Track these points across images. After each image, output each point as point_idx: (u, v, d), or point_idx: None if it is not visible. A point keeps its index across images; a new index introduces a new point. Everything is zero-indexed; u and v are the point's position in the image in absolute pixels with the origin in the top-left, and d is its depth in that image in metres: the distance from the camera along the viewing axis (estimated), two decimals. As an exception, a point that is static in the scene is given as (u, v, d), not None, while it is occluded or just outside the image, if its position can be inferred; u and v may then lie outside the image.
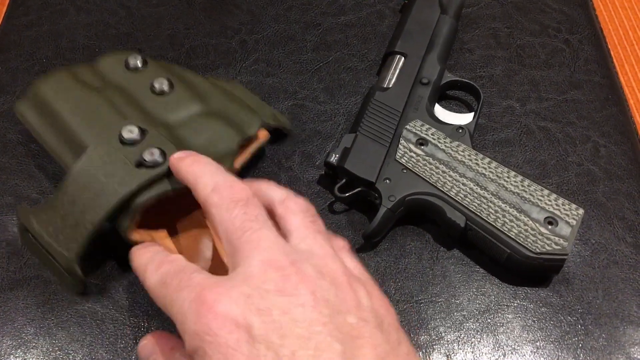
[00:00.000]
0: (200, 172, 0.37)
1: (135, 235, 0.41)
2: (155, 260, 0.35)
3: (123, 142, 0.42)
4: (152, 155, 0.41)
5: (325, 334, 0.28)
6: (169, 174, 0.41)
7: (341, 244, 0.37)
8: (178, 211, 0.44)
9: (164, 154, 0.41)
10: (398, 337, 0.31)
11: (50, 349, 0.42)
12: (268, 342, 0.28)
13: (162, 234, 0.43)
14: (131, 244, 0.41)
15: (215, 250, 0.44)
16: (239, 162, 0.46)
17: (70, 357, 0.42)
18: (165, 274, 0.34)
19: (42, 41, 0.59)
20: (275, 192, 0.37)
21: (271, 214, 0.35)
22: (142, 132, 0.42)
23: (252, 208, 0.33)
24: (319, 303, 0.29)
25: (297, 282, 0.30)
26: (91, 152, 0.41)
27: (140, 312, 0.44)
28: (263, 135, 0.49)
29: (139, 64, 0.48)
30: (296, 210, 0.35)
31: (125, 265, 0.45)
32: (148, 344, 0.36)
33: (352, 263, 0.35)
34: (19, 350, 0.42)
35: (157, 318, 0.43)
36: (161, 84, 0.47)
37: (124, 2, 0.62)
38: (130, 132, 0.42)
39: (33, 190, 0.49)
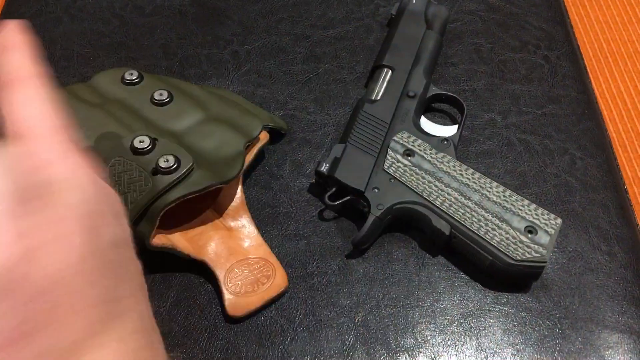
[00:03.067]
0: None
1: (156, 240, 0.43)
2: None
3: (135, 152, 0.43)
4: (167, 162, 0.43)
5: None
6: (184, 179, 0.43)
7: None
8: (192, 212, 0.47)
9: (178, 160, 0.43)
10: None
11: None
12: None
13: (180, 238, 0.45)
14: (151, 250, 0.43)
15: (224, 245, 0.46)
16: (245, 163, 0.48)
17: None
18: None
19: (36, 49, 0.59)
20: None
21: None
22: (153, 141, 0.44)
23: None
24: None
25: None
26: (105, 165, 0.43)
27: (136, 315, 0.45)
28: (264, 136, 0.51)
29: (135, 78, 0.50)
30: None
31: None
32: None
33: None
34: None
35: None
36: (161, 95, 0.48)
37: (118, 11, 0.63)
38: (142, 142, 0.43)
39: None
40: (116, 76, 0.51)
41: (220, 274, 0.45)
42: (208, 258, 0.45)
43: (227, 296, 0.44)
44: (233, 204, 0.48)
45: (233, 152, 0.47)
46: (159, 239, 0.44)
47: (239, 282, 0.45)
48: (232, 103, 0.52)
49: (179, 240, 0.45)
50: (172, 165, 0.43)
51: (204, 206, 0.48)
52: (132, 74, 0.50)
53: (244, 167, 0.48)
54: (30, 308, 0.20)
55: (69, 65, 0.58)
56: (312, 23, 0.63)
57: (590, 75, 1.57)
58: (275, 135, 0.54)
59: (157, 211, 0.42)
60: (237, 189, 0.48)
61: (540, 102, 0.59)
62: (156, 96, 0.48)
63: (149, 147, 0.44)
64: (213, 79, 0.58)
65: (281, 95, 0.58)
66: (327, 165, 0.50)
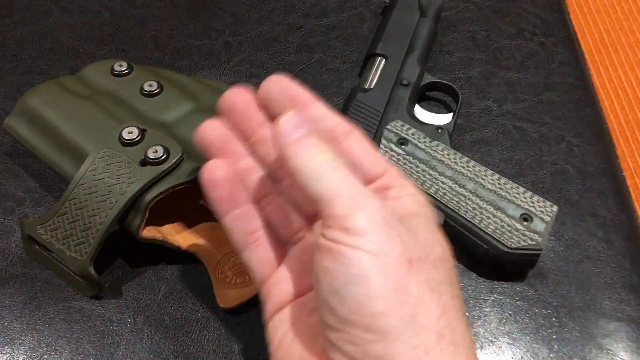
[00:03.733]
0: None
1: (146, 232, 0.43)
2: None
3: (124, 143, 0.43)
4: (155, 152, 0.42)
5: None
6: (173, 169, 0.42)
7: None
8: (183, 204, 0.46)
9: (167, 151, 0.42)
10: None
11: (37, 346, 0.43)
12: None
13: (170, 230, 0.45)
14: (141, 242, 0.43)
15: (220, 242, 0.45)
16: None
17: (57, 353, 0.42)
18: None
19: (26, 42, 0.59)
20: None
21: None
22: (142, 132, 0.43)
23: None
24: None
25: None
26: (94, 156, 0.42)
27: (126, 308, 0.44)
28: None
29: (125, 70, 0.49)
30: None
31: (110, 263, 0.46)
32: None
33: None
34: (5, 347, 0.43)
35: (142, 314, 0.44)
36: (151, 86, 0.48)
37: (108, 3, 0.62)
38: (130, 132, 0.43)
39: (18, 189, 0.49)
40: (106, 68, 0.50)
41: (211, 266, 0.44)
42: (198, 249, 0.45)
43: (218, 287, 0.44)
44: None
45: None
46: (149, 231, 0.43)
47: (230, 274, 0.44)
48: (221, 93, 0.51)
49: (169, 232, 0.45)
50: (161, 156, 0.42)
51: (195, 197, 0.47)
52: (121, 65, 0.49)
53: None
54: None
55: (58, 58, 0.58)
56: (305, 12, 0.63)
57: (591, 66, 1.56)
58: None
59: (146, 203, 0.42)
60: None
61: (537, 90, 0.58)
62: (146, 87, 0.48)
63: (138, 138, 0.43)
64: (205, 70, 0.58)
65: (274, 86, 0.57)
66: (320, 154, 0.49)
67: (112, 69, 0.49)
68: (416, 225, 0.31)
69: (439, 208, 0.47)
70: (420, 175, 0.48)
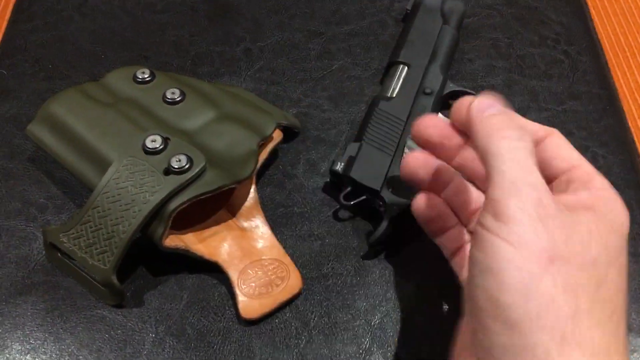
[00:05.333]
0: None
1: (169, 242, 0.43)
2: None
3: (147, 151, 0.43)
4: (179, 161, 0.42)
5: None
6: (197, 179, 0.42)
7: None
8: (203, 211, 0.46)
9: (190, 160, 0.42)
10: None
11: (59, 355, 0.43)
12: None
13: (193, 239, 0.45)
14: (163, 251, 0.43)
15: (237, 246, 0.45)
16: (258, 162, 0.47)
17: (80, 362, 0.42)
18: None
19: (47, 47, 0.59)
20: None
21: None
22: (165, 140, 0.43)
23: None
24: None
25: None
26: (117, 165, 0.42)
27: (148, 317, 0.44)
28: (277, 135, 0.50)
29: (147, 77, 0.49)
30: None
31: (132, 272, 0.46)
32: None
33: None
34: (27, 356, 0.43)
35: (164, 324, 0.44)
36: (173, 94, 0.48)
37: (129, 8, 0.62)
38: (154, 141, 0.43)
39: (41, 196, 0.49)
40: (128, 75, 0.50)
41: (234, 276, 0.44)
42: (221, 259, 0.44)
43: (241, 298, 0.44)
44: (246, 204, 0.47)
45: (246, 151, 0.46)
46: (172, 240, 0.43)
47: (253, 284, 0.44)
48: (245, 101, 0.51)
49: (192, 242, 0.45)
50: (185, 165, 0.42)
51: (217, 206, 0.47)
52: (144, 73, 0.49)
53: (257, 166, 0.47)
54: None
55: (80, 64, 0.58)
56: (326, 19, 0.62)
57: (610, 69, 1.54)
58: (289, 133, 0.53)
59: (169, 212, 0.41)
60: (250, 188, 0.48)
61: (561, 99, 0.57)
62: (168, 95, 0.48)
63: (161, 146, 0.43)
64: (225, 76, 0.57)
65: (295, 93, 0.57)
66: (342, 164, 0.49)
67: (135, 76, 0.49)
68: (581, 221, 0.29)
69: (462, 219, 0.46)
70: (444, 186, 0.47)
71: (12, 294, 0.45)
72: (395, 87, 0.54)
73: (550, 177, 0.33)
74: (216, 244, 0.45)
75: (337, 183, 0.50)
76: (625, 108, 1.47)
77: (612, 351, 0.28)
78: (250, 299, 0.43)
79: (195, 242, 0.45)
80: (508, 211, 0.28)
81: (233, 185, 0.44)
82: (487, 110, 0.33)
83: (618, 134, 0.55)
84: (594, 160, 0.53)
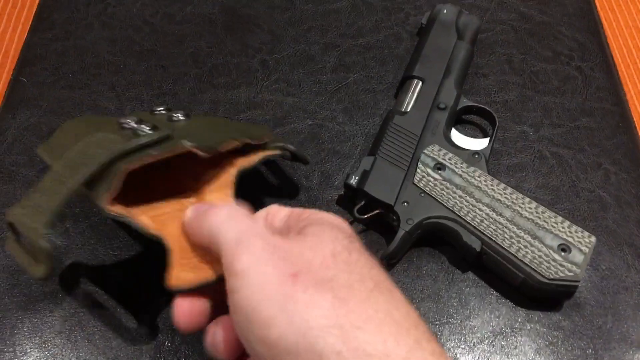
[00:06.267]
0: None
1: (114, 207, 0.39)
2: None
3: (121, 127, 0.41)
4: (140, 125, 0.40)
5: None
6: (155, 145, 0.39)
7: None
8: (164, 194, 0.43)
9: (155, 128, 0.40)
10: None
11: (77, 361, 0.43)
12: None
13: (138, 210, 0.41)
14: (107, 216, 0.39)
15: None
16: (245, 162, 0.45)
17: (97, 369, 0.43)
18: None
19: (67, 55, 0.60)
20: None
21: None
22: (140, 121, 0.42)
23: None
24: None
25: None
26: (88, 137, 0.40)
27: (164, 327, 0.45)
28: (272, 152, 0.47)
29: (163, 110, 0.48)
30: None
31: (147, 280, 0.47)
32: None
33: None
34: (46, 362, 0.43)
35: (179, 333, 0.45)
36: (178, 114, 0.46)
37: (148, 18, 0.63)
38: (129, 120, 0.42)
39: (59, 204, 0.50)
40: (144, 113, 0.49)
41: (174, 248, 0.38)
42: (166, 233, 0.39)
43: (176, 268, 0.37)
44: (217, 194, 0.43)
45: (222, 135, 0.43)
46: (117, 207, 0.39)
47: (195, 261, 0.38)
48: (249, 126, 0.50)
49: (138, 213, 0.40)
50: (146, 130, 0.40)
51: (185, 190, 0.44)
52: (159, 108, 0.48)
53: (244, 167, 0.44)
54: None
55: (99, 73, 0.59)
56: (342, 32, 0.63)
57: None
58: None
59: (115, 171, 0.37)
60: (229, 184, 0.43)
61: (574, 115, 0.58)
62: (173, 115, 0.46)
63: (134, 125, 0.41)
64: (242, 87, 0.58)
65: (310, 105, 0.57)
66: (356, 178, 0.49)
67: (152, 111, 0.48)
68: (307, 235, 0.32)
69: (475, 235, 0.47)
70: (457, 202, 0.48)
71: (31, 301, 0.46)
72: (410, 102, 0.54)
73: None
74: (167, 220, 0.41)
75: (351, 196, 0.51)
76: (637, 121, 1.47)
77: (394, 314, 0.29)
78: (187, 271, 0.37)
79: (140, 214, 0.40)
80: (241, 265, 0.30)
81: (193, 150, 0.40)
82: (195, 214, 0.37)
83: (630, 151, 0.55)
84: (605, 177, 0.53)
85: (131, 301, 0.46)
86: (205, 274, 0.37)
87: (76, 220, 0.50)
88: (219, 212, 0.35)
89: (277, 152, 0.48)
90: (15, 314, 0.45)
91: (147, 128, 0.40)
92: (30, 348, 0.44)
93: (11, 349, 0.44)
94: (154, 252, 0.44)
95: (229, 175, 0.44)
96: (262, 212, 0.38)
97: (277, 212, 0.37)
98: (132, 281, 0.47)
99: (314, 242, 0.32)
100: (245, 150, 0.46)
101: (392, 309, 0.29)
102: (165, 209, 0.42)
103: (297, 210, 0.36)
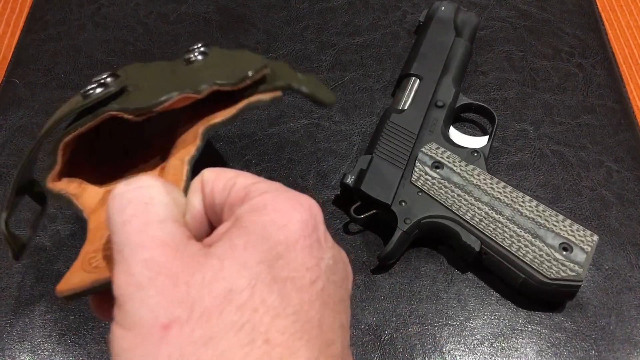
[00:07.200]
0: None
1: (56, 183, 0.35)
2: None
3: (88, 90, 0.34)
4: (94, 89, 0.34)
5: None
6: (110, 101, 0.33)
7: None
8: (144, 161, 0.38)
9: (104, 86, 0.34)
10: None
11: (67, 366, 0.42)
12: None
13: (78, 187, 0.36)
14: (49, 196, 0.36)
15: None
16: (220, 117, 0.35)
17: (87, 374, 0.42)
18: None
19: (60, 56, 0.59)
20: None
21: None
22: (114, 75, 0.35)
23: None
24: None
25: None
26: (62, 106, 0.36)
27: (156, 330, 0.44)
28: (271, 94, 0.37)
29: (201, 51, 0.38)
30: None
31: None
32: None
33: None
34: (35, 367, 0.42)
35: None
36: (192, 52, 0.37)
37: (142, 18, 0.62)
38: (98, 77, 0.35)
39: (50, 205, 0.49)
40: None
41: (89, 242, 0.32)
42: (93, 217, 0.34)
43: (74, 269, 0.31)
44: (175, 161, 0.34)
45: (189, 83, 0.34)
46: (58, 183, 0.35)
47: (100, 259, 0.30)
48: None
49: (78, 191, 0.36)
50: (99, 90, 0.33)
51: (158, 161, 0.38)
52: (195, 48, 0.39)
53: (219, 121, 0.35)
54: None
55: (92, 74, 0.58)
56: (338, 30, 0.62)
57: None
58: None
59: (58, 139, 0.33)
60: (191, 146, 0.35)
61: (575, 112, 0.57)
62: (189, 55, 0.37)
63: (103, 79, 0.34)
64: (237, 87, 0.57)
65: (306, 104, 0.56)
66: (353, 177, 0.48)
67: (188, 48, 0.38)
68: (213, 255, 0.24)
69: (474, 235, 0.45)
70: (456, 201, 0.47)
71: (21, 304, 0.45)
72: (407, 100, 0.53)
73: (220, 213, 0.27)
74: (99, 199, 0.36)
75: (347, 196, 0.50)
76: (639, 121, 1.46)
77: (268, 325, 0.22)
78: (80, 271, 0.30)
79: (89, 194, 0.36)
80: (120, 291, 0.23)
81: (105, 117, 0.34)
82: (116, 195, 0.26)
83: (633, 149, 0.54)
84: (608, 175, 0.52)
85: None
86: (88, 277, 0.29)
87: (67, 221, 0.49)
88: (117, 192, 0.25)
89: (268, 96, 0.37)
90: (4, 317, 0.44)
91: (100, 90, 0.33)
92: (20, 353, 0.43)
93: (0, 354, 0.43)
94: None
95: (194, 133, 0.35)
96: (196, 184, 0.27)
97: (215, 181, 0.26)
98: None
99: (221, 261, 0.23)
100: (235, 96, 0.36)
101: None
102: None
103: (232, 182, 0.26)
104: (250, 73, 0.35)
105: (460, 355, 0.44)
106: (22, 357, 0.43)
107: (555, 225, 0.45)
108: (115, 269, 0.23)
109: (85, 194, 0.36)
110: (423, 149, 0.50)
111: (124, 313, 0.22)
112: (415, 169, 0.49)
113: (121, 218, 0.24)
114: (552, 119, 0.56)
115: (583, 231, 0.45)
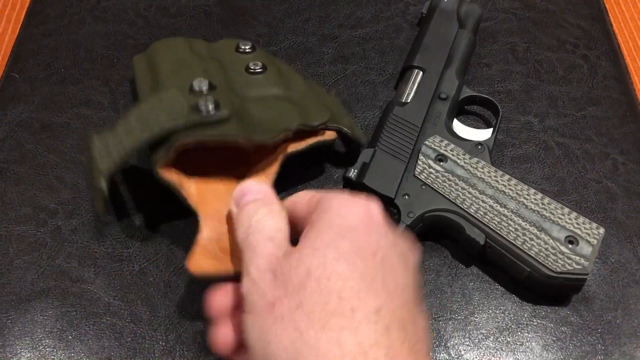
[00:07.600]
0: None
1: (166, 173, 0.43)
2: None
3: (191, 90, 0.45)
4: (205, 103, 0.43)
5: None
6: (214, 125, 0.43)
7: None
8: (220, 169, 0.46)
9: (218, 108, 0.43)
10: None
11: (68, 362, 0.42)
12: None
13: (188, 182, 0.44)
14: (160, 183, 0.43)
15: (227, 209, 0.42)
16: (293, 147, 0.47)
17: (89, 370, 0.42)
18: None
19: (60, 50, 0.59)
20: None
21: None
22: (211, 87, 0.45)
23: None
24: None
25: None
26: (161, 93, 0.44)
27: (158, 325, 0.43)
28: (329, 134, 0.48)
29: (247, 49, 0.52)
30: None
31: (144, 279, 0.45)
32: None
33: None
34: (37, 363, 0.42)
35: (174, 332, 0.43)
36: (255, 65, 0.50)
37: (142, 12, 0.62)
38: (200, 83, 0.45)
39: (51, 201, 0.49)
40: (233, 43, 0.53)
41: (205, 227, 0.41)
42: (203, 209, 0.42)
43: (196, 251, 0.40)
44: (260, 177, 0.46)
45: (277, 123, 0.45)
46: (169, 174, 0.43)
47: (215, 246, 0.41)
48: (317, 94, 0.51)
49: (187, 184, 0.44)
50: (209, 109, 0.43)
51: (235, 171, 0.47)
52: (245, 44, 0.53)
53: (291, 151, 0.46)
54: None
55: (92, 67, 0.57)
56: (340, 23, 0.61)
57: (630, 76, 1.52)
58: (348, 143, 0.52)
59: (174, 141, 0.41)
60: (274, 166, 0.46)
61: (580, 104, 0.56)
62: (251, 65, 0.50)
63: (204, 90, 0.45)
64: (238, 80, 0.57)
65: (308, 98, 0.56)
66: (356, 171, 0.48)
67: (238, 45, 0.53)
68: (302, 253, 0.32)
69: (479, 228, 0.45)
70: (460, 194, 0.46)
71: (22, 300, 0.44)
72: (410, 92, 0.53)
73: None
74: (209, 197, 0.44)
75: (350, 190, 0.49)
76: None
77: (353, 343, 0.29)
78: (204, 257, 0.40)
79: (190, 185, 0.44)
80: (243, 288, 0.32)
81: (243, 142, 0.43)
82: (243, 198, 0.37)
83: (638, 141, 0.54)
84: (614, 167, 0.52)
85: (123, 300, 0.44)
86: (224, 265, 0.39)
87: (68, 217, 0.48)
88: (255, 207, 0.36)
89: (330, 137, 0.48)
90: (5, 314, 0.44)
91: (211, 106, 0.43)
92: (21, 348, 0.43)
93: (1, 350, 0.42)
94: (146, 249, 0.42)
95: (276, 159, 0.46)
96: (288, 201, 0.38)
97: (300, 199, 0.37)
98: (124, 279, 0.45)
99: (300, 251, 0.32)
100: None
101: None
102: (212, 184, 0.45)
103: (312, 196, 0.36)
104: (322, 121, 0.47)
105: (464, 350, 0.43)
106: (23, 353, 0.42)
107: (560, 218, 0.45)
108: (243, 276, 0.33)
109: (186, 185, 0.44)
110: (426, 142, 0.49)
111: (247, 302, 0.32)
112: (419, 162, 0.48)
113: (245, 235, 0.35)
114: (557, 111, 0.56)
115: (589, 224, 0.44)
